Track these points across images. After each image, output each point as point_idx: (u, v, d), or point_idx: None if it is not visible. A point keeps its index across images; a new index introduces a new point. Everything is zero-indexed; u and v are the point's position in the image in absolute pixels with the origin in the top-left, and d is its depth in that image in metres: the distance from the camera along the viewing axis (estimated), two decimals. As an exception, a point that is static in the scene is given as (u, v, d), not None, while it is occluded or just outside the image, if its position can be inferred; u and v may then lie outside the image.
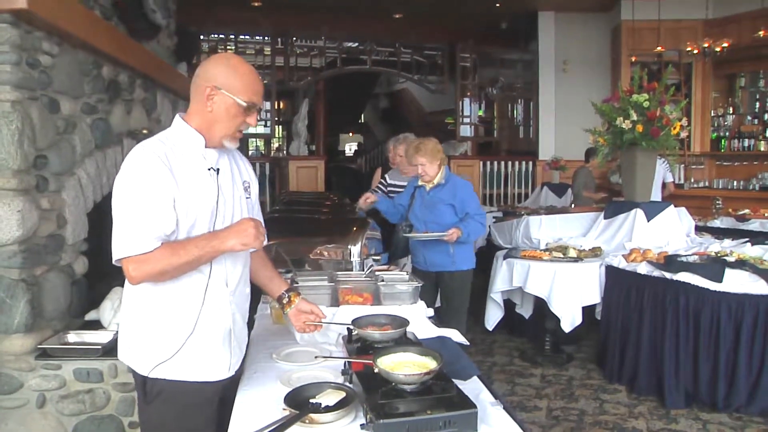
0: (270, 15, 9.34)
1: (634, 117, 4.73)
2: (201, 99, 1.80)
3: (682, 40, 8.73)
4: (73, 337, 3.06)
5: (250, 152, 15.30)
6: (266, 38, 9.33)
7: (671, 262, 4.07)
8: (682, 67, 9.01)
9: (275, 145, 14.52)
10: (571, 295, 4.44)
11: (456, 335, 2.47)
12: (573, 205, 6.29)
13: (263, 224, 1.94)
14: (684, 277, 3.90)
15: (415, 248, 4.13)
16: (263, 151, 15.41)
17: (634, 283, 4.20)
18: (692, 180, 8.94)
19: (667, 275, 3.99)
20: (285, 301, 2.15)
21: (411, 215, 4.09)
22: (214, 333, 1.84)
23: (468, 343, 2.52)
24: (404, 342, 2.07)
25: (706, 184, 8.93)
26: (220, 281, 1.83)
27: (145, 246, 1.66)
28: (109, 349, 2.93)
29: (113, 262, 1.73)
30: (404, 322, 2.14)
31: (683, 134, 4.90)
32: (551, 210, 7.09)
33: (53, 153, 3.16)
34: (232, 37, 9.00)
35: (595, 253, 4.76)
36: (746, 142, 8.67)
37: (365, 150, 17.96)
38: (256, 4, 9.25)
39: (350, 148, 20.64)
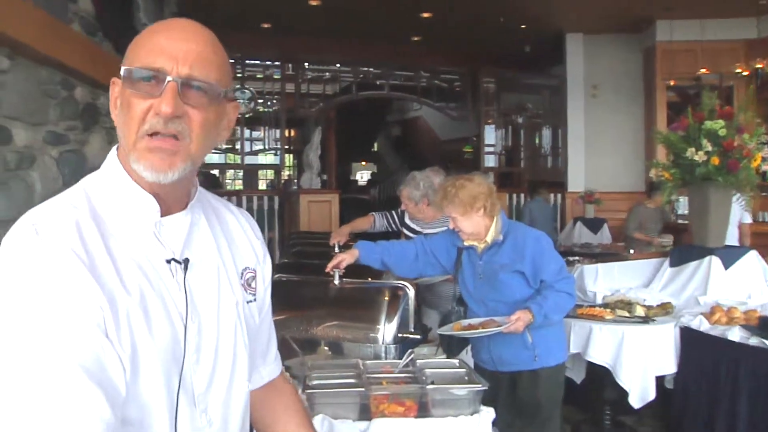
0: (280, 38, 8.80)
1: (708, 147, 4.00)
2: None
3: (721, 62, 8.20)
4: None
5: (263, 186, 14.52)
6: (276, 63, 8.80)
7: (769, 325, 3.31)
8: (723, 90, 8.35)
9: (286, 174, 13.88)
10: (642, 363, 3.67)
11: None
12: (631, 251, 5.51)
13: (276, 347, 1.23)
14: (792, 347, 3.13)
15: (476, 339, 2.84)
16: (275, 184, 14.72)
17: (726, 352, 3.43)
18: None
19: (768, 344, 3.22)
20: None
21: (463, 290, 2.88)
22: None
23: None
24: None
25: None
26: None
27: None
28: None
29: None
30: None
31: (765, 167, 4.15)
32: (592, 250, 6.39)
33: (-1, 195, 2.49)
34: (238, 56, 8.42)
35: (666, 310, 3.98)
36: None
37: (378, 180, 17.35)
38: (266, 26, 8.69)
39: (362, 176, 20.06)
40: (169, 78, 0.92)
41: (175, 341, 0.95)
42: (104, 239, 0.93)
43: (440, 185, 3.03)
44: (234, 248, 1.13)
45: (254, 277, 1.15)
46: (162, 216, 0.99)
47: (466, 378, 2.00)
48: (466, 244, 2.82)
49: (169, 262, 0.98)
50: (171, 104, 0.91)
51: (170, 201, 1.01)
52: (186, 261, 1.00)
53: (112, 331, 0.87)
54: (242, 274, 1.13)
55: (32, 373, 0.79)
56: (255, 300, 1.15)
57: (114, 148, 1.03)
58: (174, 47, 0.94)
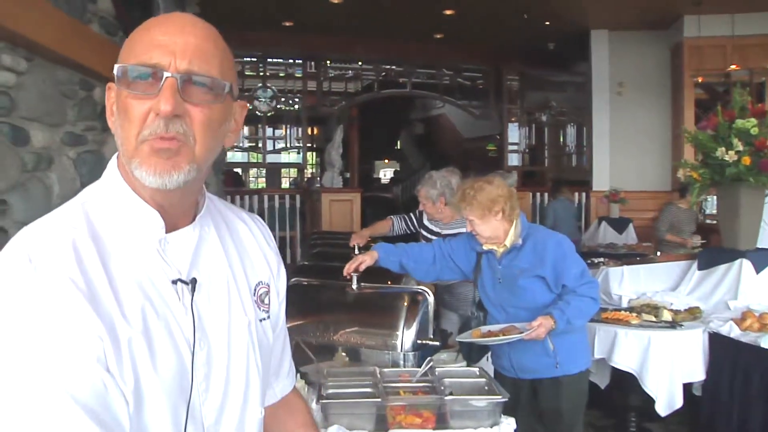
0: (302, 36, 8.76)
1: (740, 147, 3.88)
2: None
3: (751, 57, 7.96)
4: None
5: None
6: (298, 61, 8.81)
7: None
8: (754, 87, 8.13)
9: (309, 172, 13.89)
10: (669, 370, 3.56)
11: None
12: (658, 252, 5.37)
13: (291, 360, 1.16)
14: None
15: (496, 346, 2.73)
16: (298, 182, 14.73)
17: (758, 360, 3.31)
18: None
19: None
20: None
21: (483, 296, 2.77)
22: None
23: None
24: None
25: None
26: None
27: None
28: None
29: None
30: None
31: (799, 167, 4.00)
32: (617, 250, 6.25)
33: (17, 196, 2.48)
34: (260, 54, 8.46)
35: (694, 314, 3.86)
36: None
37: (401, 178, 17.27)
38: (288, 24, 8.66)
39: (385, 174, 19.98)
40: (166, 74, 0.84)
41: (182, 371, 0.88)
42: (103, 261, 0.86)
43: (458, 186, 2.96)
44: (246, 261, 1.05)
45: (267, 293, 1.07)
46: (167, 232, 0.92)
47: (486, 388, 1.94)
48: (484, 248, 2.71)
49: (175, 283, 0.91)
50: (170, 102, 0.83)
51: (176, 214, 0.93)
52: (193, 281, 0.92)
53: (113, 364, 0.80)
54: (255, 289, 1.04)
55: (27, 413, 0.74)
56: (268, 317, 1.06)
57: (114, 157, 0.96)
58: (171, 41, 0.86)
